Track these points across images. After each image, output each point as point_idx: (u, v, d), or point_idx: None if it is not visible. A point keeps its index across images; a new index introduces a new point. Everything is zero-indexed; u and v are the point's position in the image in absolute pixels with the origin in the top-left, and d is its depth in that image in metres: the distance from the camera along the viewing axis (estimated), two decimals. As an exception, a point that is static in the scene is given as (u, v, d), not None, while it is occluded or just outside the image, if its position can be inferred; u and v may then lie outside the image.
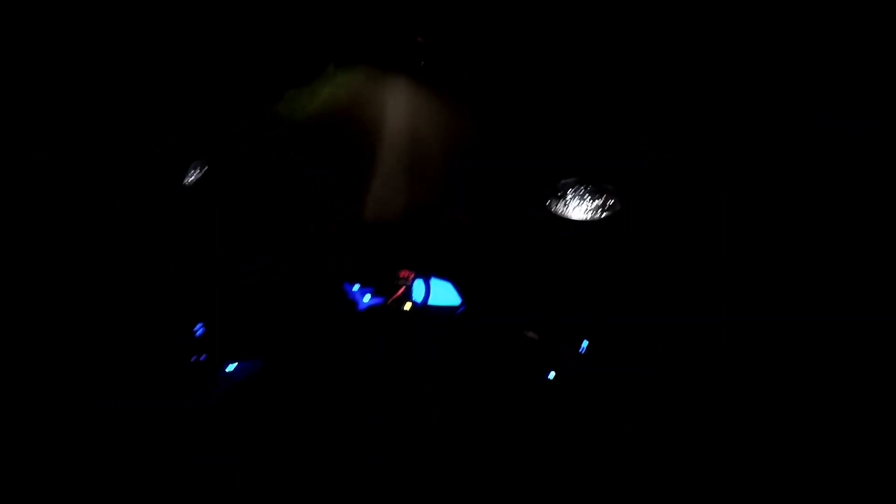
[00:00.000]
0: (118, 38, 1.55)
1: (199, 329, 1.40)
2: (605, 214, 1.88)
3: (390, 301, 1.66)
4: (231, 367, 1.44)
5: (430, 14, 1.91)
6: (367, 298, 1.64)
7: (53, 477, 1.21)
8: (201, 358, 1.40)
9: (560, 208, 1.88)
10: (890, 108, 1.60)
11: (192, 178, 1.54)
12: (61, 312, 1.37)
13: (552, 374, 1.67)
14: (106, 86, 1.58)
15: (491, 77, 1.86)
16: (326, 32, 1.80)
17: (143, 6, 1.59)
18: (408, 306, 1.67)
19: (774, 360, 1.63)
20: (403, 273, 1.70)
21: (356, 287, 1.65)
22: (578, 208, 1.89)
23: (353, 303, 1.65)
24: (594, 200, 1.90)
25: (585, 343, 1.68)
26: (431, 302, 1.70)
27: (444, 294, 1.72)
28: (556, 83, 1.85)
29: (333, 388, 1.56)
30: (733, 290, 1.71)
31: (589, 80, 1.85)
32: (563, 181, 1.94)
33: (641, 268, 1.78)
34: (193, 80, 1.67)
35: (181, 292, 1.43)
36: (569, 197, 1.91)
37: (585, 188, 1.92)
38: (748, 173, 1.71)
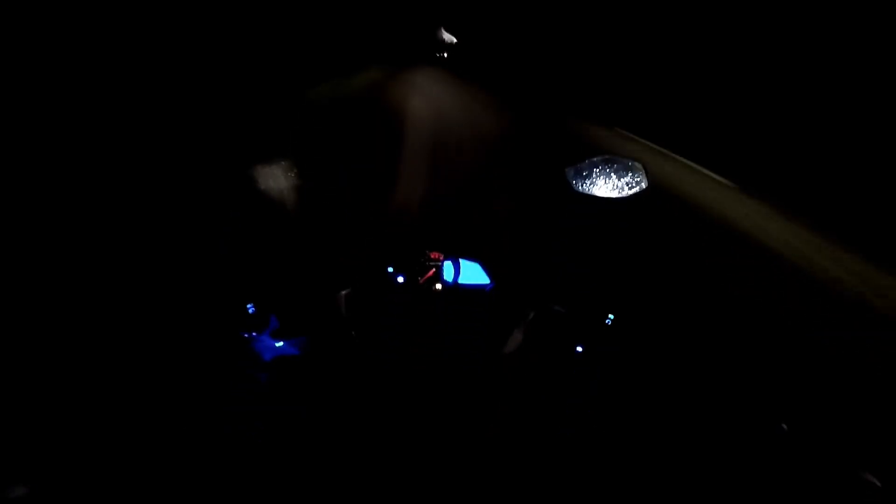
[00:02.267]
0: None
1: (250, 308, 1.57)
2: (632, 191, 1.88)
3: (422, 281, 1.77)
4: (279, 344, 1.60)
5: (458, 7, 1.97)
6: (399, 279, 1.76)
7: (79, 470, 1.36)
8: (253, 334, 1.57)
9: (587, 186, 1.91)
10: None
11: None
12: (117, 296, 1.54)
13: (580, 348, 1.72)
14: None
15: (521, 67, 1.90)
16: (354, 27, 1.89)
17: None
18: (438, 286, 1.78)
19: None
20: (434, 254, 1.81)
21: (390, 269, 1.77)
22: (605, 186, 1.90)
23: (391, 283, 1.77)
24: (621, 178, 1.91)
25: (611, 317, 1.71)
26: (461, 281, 1.79)
27: (473, 274, 1.81)
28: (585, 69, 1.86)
29: (369, 366, 1.69)
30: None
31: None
32: (589, 159, 1.96)
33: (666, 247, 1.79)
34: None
35: (233, 276, 1.60)
36: (595, 174, 1.93)
37: (612, 165, 1.93)
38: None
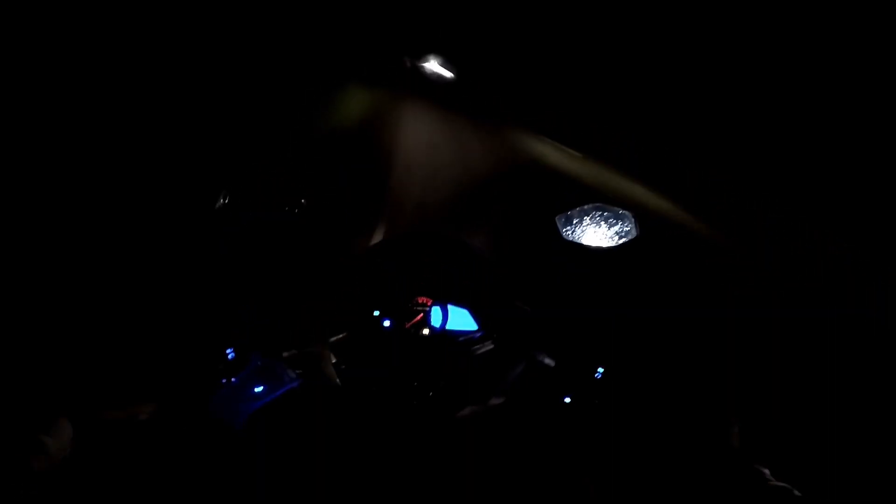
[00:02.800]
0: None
1: (230, 353, 1.52)
2: (622, 240, 1.89)
3: (408, 326, 1.74)
4: (259, 389, 1.54)
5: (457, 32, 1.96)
6: (386, 324, 1.72)
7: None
8: (233, 380, 1.50)
9: (577, 235, 1.91)
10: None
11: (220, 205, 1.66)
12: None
13: (568, 399, 1.69)
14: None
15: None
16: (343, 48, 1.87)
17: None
18: (426, 331, 1.74)
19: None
20: (421, 299, 1.78)
21: (376, 313, 1.74)
22: (595, 234, 1.91)
23: (378, 328, 1.74)
24: (612, 226, 1.92)
25: (601, 370, 1.69)
26: (449, 327, 1.76)
27: (461, 320, 1.78)
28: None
29: (356, 409, 1.63)
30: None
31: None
32: (580, 206, 1.97)
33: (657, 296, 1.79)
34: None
35: (211, 320, 1.55)
36: (585, 222, 1.93)
37: (602, 213, 1.94)
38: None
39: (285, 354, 1.55)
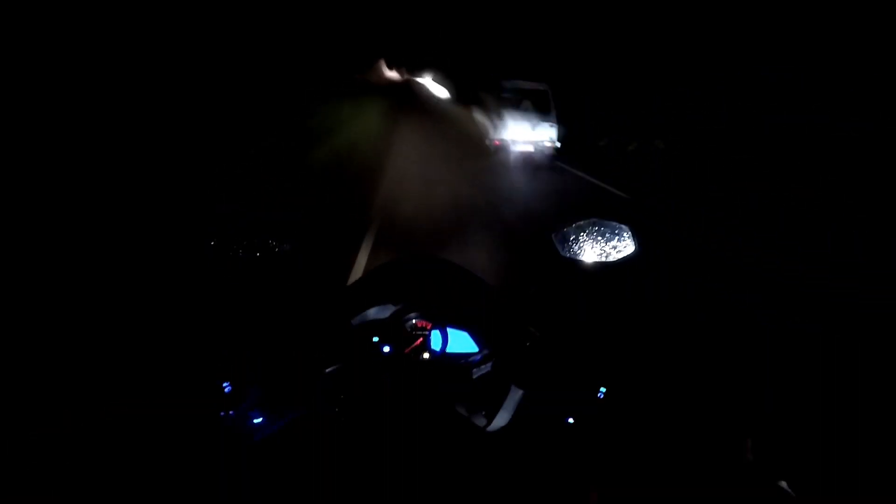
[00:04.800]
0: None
1: (227, 387, 1.50)
2: (620, 256, 1.88)
3: (408, 351, 1.72)
4: (258, 420, 1.52)
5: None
6: (385, 350, 1.70)
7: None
8: (230, 413, 1.48)
9: (574, 251, 1.90)
10: None
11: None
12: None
13: (571, 420, 1.67)
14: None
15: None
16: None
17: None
18: (426, 355, 1.72)
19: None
20: (420, 323, 1.77)
21: (375, 339, 1.72)
22: (592, 251, 1.90)
23: (377, 354, 1.71)
24: (608, 241, 1.91)
25: (603, 390, 1.67)
26: (449, 351, 1.74)
27: (461, 343, 1.76)
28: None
29: (358, 437, 1.61)
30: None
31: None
32: (576, 223, 1.96)
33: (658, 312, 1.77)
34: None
35: (205, 354, 1.53)
36: (582, 239, 1.92)
37: (599, 229, 1.93)
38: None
39: (284, 384, 1.53)
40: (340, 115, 16.97)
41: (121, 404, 1.39)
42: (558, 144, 13.53)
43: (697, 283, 5.38)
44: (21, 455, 1.27)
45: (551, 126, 13.24)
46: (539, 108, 13.17)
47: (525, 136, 12.94)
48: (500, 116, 12.98)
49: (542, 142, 13.17)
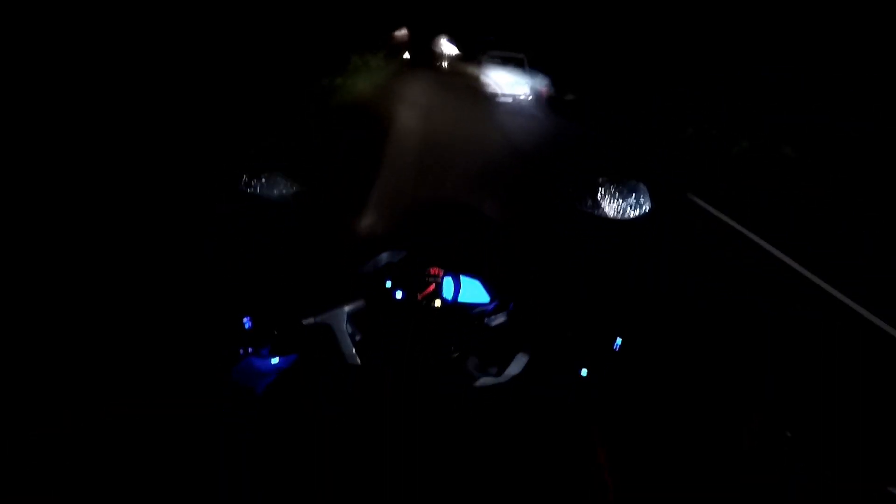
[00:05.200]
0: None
1: (247, 322, 1.47)
2: (636, 213, 1.85)
3: (420, 297, 1.69)
4: (275, 361, 1.49)
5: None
6: (398, 295, 1.67)
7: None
8: (249, 350, 1.45)
9: (591, 207, 1.87)
10: None
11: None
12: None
13: (584, 371, 1.65)
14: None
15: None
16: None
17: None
18: (437, 303, 1.69)
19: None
20: (434, 270, 1.73)
21: (388, 284, 1.68)
22: (610, 207, 1.87)
23: (390, 299, 1.68)
24: (625, 198, 1.88)
25: (619, 341, 1.65)
26: (461, 299, 1.71)
27: (474, 292, 1.73)
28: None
29: (373, 380, 1.58)
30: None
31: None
32: (597, 178, 1.93)
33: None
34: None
35: (227, 289, 1.50)
36: (600, 195, 1.89)
37: (616, 185, 1.90)
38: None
39: (304, 322, 1.50)
40: (370, 66, 21.66)
41: (121, 404, 1.38)
42: (531, 96, 19.54)
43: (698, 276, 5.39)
44: (21, 455, 1.25)
45: (526, 83, 19.46)
46: (518, 69, 19.69)
47: (508, 88, 19.21)
48: (493, 73, 19.53)
49: (519, 95, 19.34)
